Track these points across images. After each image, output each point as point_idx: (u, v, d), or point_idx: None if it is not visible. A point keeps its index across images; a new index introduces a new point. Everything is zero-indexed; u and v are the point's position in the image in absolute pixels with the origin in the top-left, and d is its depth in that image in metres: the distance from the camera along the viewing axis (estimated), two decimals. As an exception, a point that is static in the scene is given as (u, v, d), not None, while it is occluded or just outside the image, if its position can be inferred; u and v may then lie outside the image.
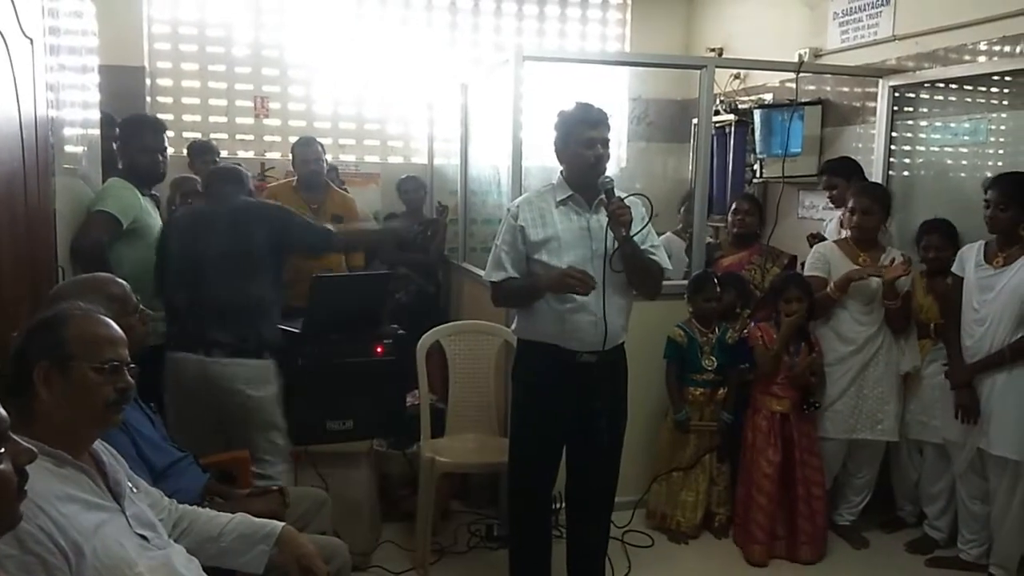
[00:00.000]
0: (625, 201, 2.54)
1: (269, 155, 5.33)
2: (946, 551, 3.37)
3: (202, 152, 4.64)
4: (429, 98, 5.50)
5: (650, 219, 2.64)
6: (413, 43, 5.60)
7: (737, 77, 5.18)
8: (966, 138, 3.71)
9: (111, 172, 3.30)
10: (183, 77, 5.22)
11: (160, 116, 4.37)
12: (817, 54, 4.58)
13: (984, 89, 3.62)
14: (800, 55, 4.55)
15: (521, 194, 3.09)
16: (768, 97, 4.92)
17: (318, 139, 4.49)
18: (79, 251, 2.85)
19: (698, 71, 3.84)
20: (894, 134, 4.05)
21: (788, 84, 4.57)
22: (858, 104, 4.33)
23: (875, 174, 4.05)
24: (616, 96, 5.86)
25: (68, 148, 2.84)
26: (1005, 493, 3.02)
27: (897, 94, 4.01)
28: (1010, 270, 2.99)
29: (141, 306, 2.15)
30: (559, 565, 2.90)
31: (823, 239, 3.80)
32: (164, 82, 5.18)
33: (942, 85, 3.82)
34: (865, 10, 4.25)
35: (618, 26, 6.08)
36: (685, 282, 3.66)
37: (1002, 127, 3.56)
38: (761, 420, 3.36)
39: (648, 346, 3.48)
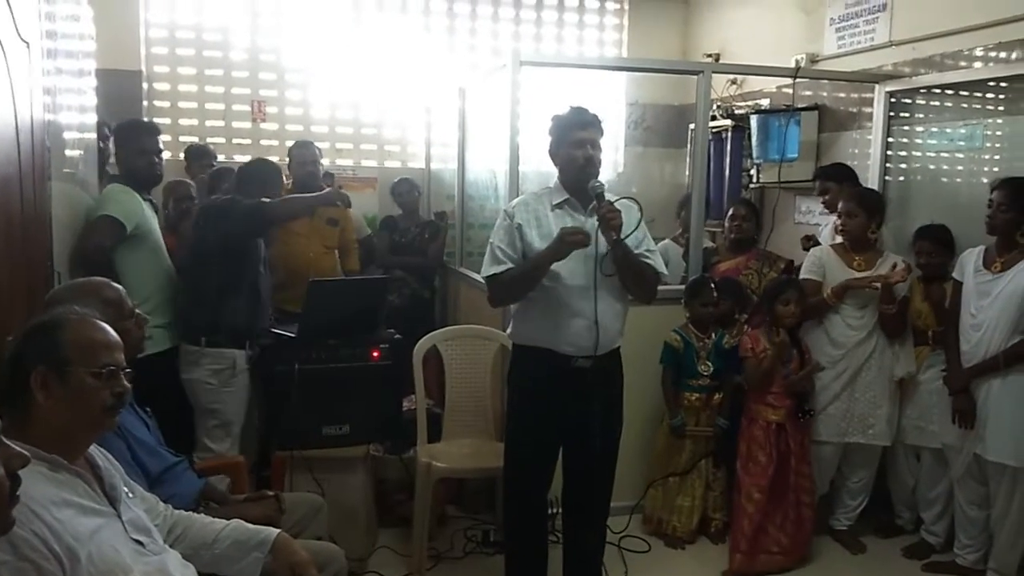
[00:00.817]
0: (617, 204, 2.54)
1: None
2: (943, 556, 3.37)
3: (199, 156, 4.65)
4: (426, 103, 5.50)
5: (639, 222, 2.64)
6: (411, 48, 5.61)
7: (734, 82, 5.18)
8: (962, 144, 3.72)
9: (102, 177, 3.30)
10: (180, 81, 5.22)
11: (157, 120, 4.38)
12: (814, 59, 4.59)
13: (980, 95, 3.63)
14: (797, 60, 4.56)
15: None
16: (765, 102, 4.93)
17: (315, 143, 4.50)
18: (83, 256, 2.85)
19: (695, 76, 3.85)
20: (890, 139, 4.06)
21: (785, 89, 4.59)
22: (855, 109, 4.34)
23: (871, 179, 4.06)
24: (613, 101, 5.88)
25: (65, 152, 2.84)
26: (1003, 498, 3.02)
27: (893, 100, 4.02)
28: (1007, 275, 2.99)
29: (137, 311, 2.15)
30: (556, 570, 2.90)
31: (817, 242, 3.80)
32: (161, 86, 5.18)
33: (938, 91, 3.83)
34: (862, 16, 4.26)
35: (615, 31, 6.10)
36: (682, 287, 3.67)
37: (998, 133, 3.57)
38: (757, 431, 3.35)
39: (645, 351, 3.48)
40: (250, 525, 1.93)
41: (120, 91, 4.63)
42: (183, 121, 5.23)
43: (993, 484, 3.07)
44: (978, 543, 3.20)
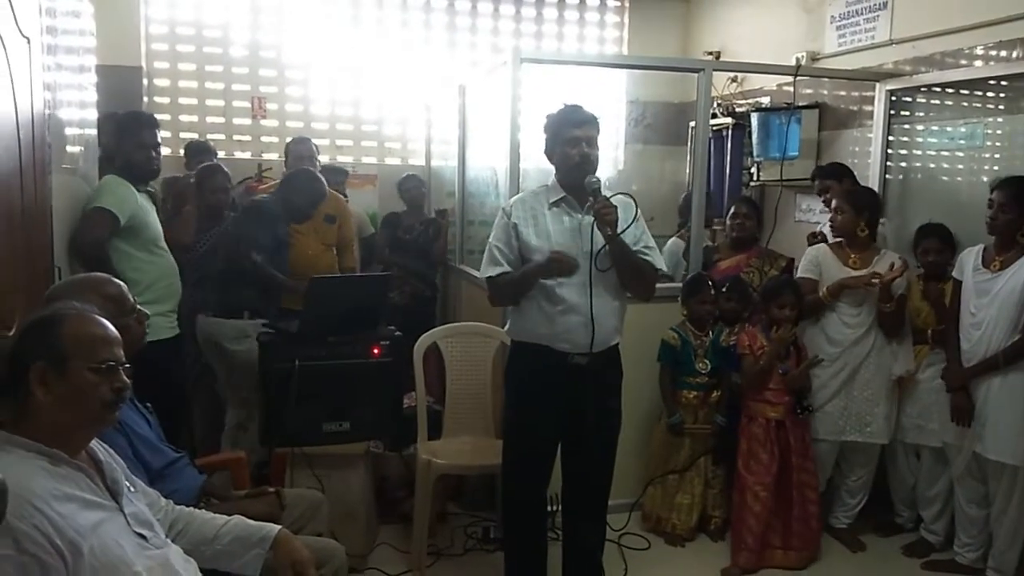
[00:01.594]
0: (612, 200, 2.54)
1: (266, 156, 5.31)
2: (942, 554, 3.38)
3: (199, 152, 4.63)
4: (427, 100, 5.50)
5: (635, 218, 2.64)
6: (411, 44, 5.61)
7: (734, 80, 5.18)
8: (962, 142, 3.72)
9: (104, 170, 3.30)
10: (180, 77, 5.21)
11: (157, 116, 4.35)
12: (814, 58, 4.59)
13: (980, 93, 3.63)
14: (797, 59, 4.56)
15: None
16: (765, 100, 4.93)
17: (315, 140, 4.50)
18: (80, 250, 2.85)
19: (696, 74, 3.85)
20: (891, 138, 4.07)
21: (785, 88, 4.59)
22: (855, 108, 4.34)
23: (871, 178, 4.06)
24: (614, 98, 5.88)
25: (66, 148, 2.83)
26: (1002, 496, 3.03)
27: (894, 98, 4.03)
28: (1006, 274, 2.99)
29: (138, 306, 2.15)
30: (555, 568, 2.90)
31: (825, 238, 3.79)
32: (161, 82, 5.17)
33: (939, 89, 3.84)
34: (862, 14, 4.26)
35: (616, 29, 6.09)
36: (680, 285, 3.67)
37: (998, 131, 3.57)
38: (756, 428, 3.35)
39: (643, 349, 3.48)
40: (251, 521, 1.93)
41: (120, 87, 4.62)
42: (183, 117, 5.22)
43: (993, 482, 3.07)
44: (978, 542, 3.21)
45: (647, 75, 5.77)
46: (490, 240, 2.72)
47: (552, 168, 2.76)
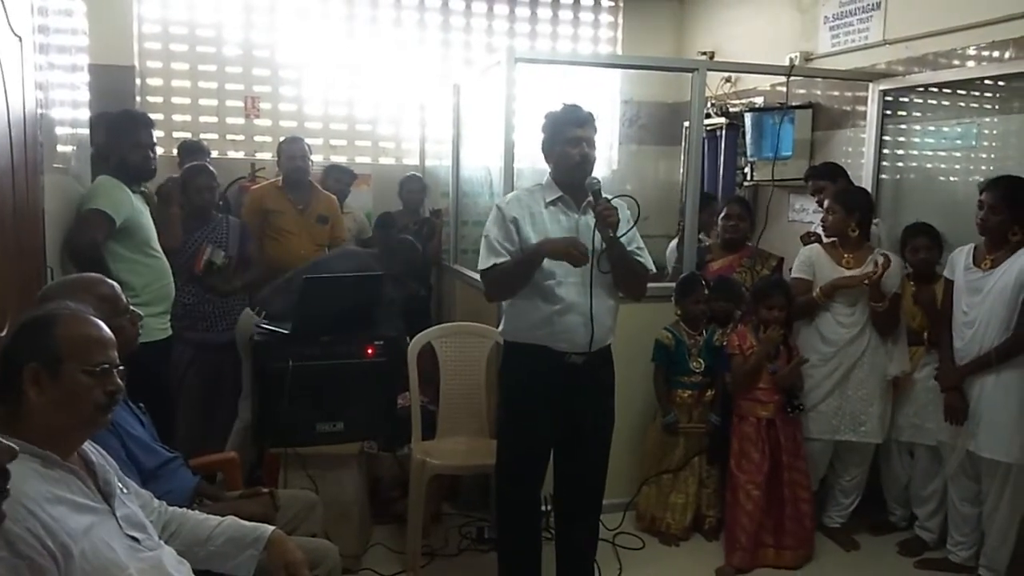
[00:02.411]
0: (612, 202, 2.54)
1: (260, 155, 5.29)
2: (936, 553, 3.39)
3: (192, 152, 4.60)
4: (421, 99, 5.49)
5: (636, 220, 2.64)
6: (405, 44, 5.60)
7: (728, 80, 5.19)
8: (956, 142, 3.73)
9: (98, 169, 3.27)
10: (173, 77, 5.19)
11: (150, 115, 4.33)
12: (808, 58, 4.60)
13: (974, 94, 3.64)
14: (791, 59, 4.57)
15: (512, 196, 3.07)
16: (759, 100, 4.94)
17: (309, 139, 4.48)
18: (75, 252, 2.83)
19: (690, 74, 3.86)
20: (884, 138, 4.08)
21: (779, 88, 4.59)
22: (849, 108, 4.35)
23: (865, 178, 4.07)
24: (608, 98, 5.87)
25: (58, 147, 2.82)
26: (994, 494, 3.04)
27: (887, 98, 4.04)
28: (997, 272, 3.00)
29: (132, 307, 2.14)
30: (549, 567, 2.90)
31: (819, 238, 3.80)
32: (154, 81, 5.15)
33: (932, 89, 3.85)
34: (856, 14, 4.27)
35: (610, 29, 6.09)
36: (673, 284, 3.67)
37: (991, 131, 3.58)
38: (747, 427, 3.36)
39: (637, 348, 3.49)
40: (245, 522, 1.92)
41: (113, 86, 4.59)
42: (176, 117, 5.19)
43: (985, 481, 3.08)
44: (970, 540, 3.22)
45: (641, 75, 5.78)
46: (486, 235, 2.68)
47: (547, 167, 2.76)
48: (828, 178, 3.88)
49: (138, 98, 5.01)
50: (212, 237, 3.75)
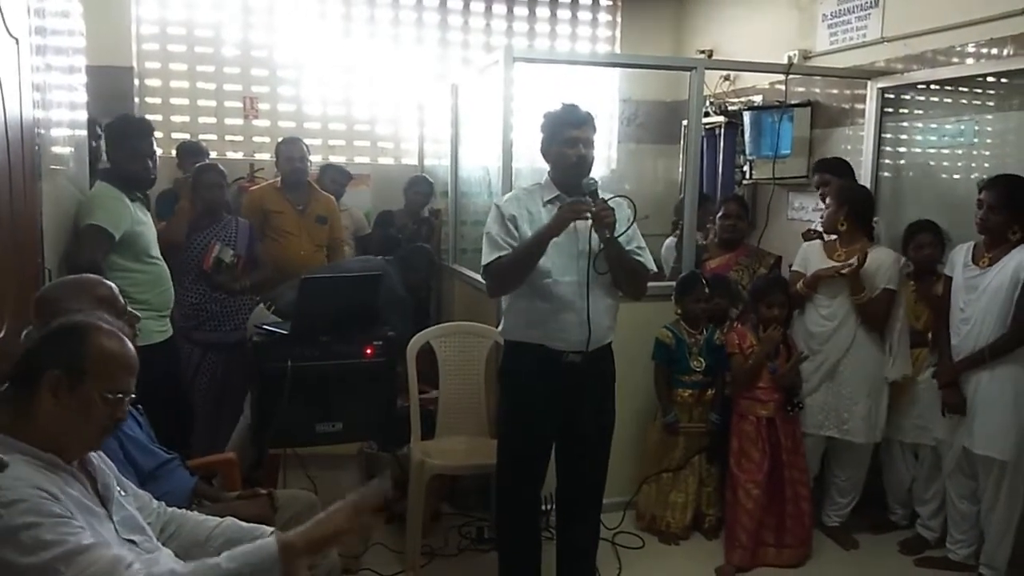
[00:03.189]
0: (609, 202, 2.54)
1: (258, 156, 5.30)
2: (937, 551, 3.38)
3: (191, 153, 4.61)
4: (419, 99, 5.49)
5: (634, 220, 2.64)
6: (403, 43, 5.60)
7: (727, 79, 5.19)
8: (955, 139, 3.73)
9: (94, 173, 3.27)
10: (171, 77, 5.19)
11: (148, 117, 4.33)
12: (806, 56, 4.60)
13: (972, 91, 3.64)
14: (789, 57, 4.57)
15: (511, 196, 3.07)
16: (758, 99, 4.93)
17: (308, 139, 4.49)
18: (76, 270, 2.81)
19: (688, 73, 3.85)
20: (883, 135, 4.08)
21: (778, 86, 4.59)
22: (847, 106, 4.34)
23: (864, 175, 4.07)
24: (606, 97, 5.88)
25: (55, 149, 2.81)
26: (991, 492, 3.04)
27: (886, 96, 4.04)
28: (994, 270, 3.00)
29: (129, 308, 2.14)
30: (549, 567, 2.90)
31: (820, 235, 3.79)
32: (152, 82, 5.15)
33: (931, 87, 3.85)
34: (854, 12, 4.27)
35: (608, 28, 6.09)
36: (673, 283, 3.67)
37: (989, 128, 3.58)
38: (747, 426, 3.36)
39: (637, 347, 3.49)
40: (243, 523, 1.91)
41: (111, 88, 4.60)
42: (175, 118, 5.20)
43: (982, 478, 3.08)
44: (969, 538, 3.22)
45: (640, 74, 5.78)
46: (487, 232, 2.68)
47: (545, 167, 2.75)
48: (833, 172, 3.88)
49: (136, 99, 5.01)
50: (221, 236, 3.75)
